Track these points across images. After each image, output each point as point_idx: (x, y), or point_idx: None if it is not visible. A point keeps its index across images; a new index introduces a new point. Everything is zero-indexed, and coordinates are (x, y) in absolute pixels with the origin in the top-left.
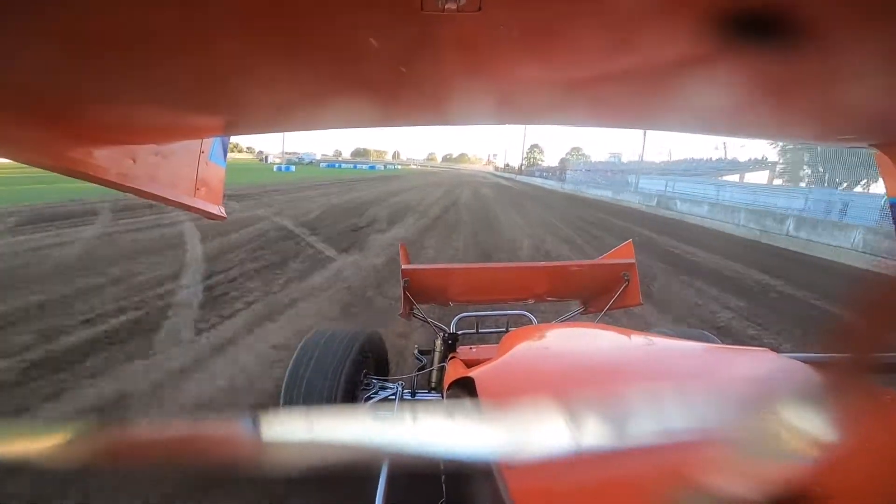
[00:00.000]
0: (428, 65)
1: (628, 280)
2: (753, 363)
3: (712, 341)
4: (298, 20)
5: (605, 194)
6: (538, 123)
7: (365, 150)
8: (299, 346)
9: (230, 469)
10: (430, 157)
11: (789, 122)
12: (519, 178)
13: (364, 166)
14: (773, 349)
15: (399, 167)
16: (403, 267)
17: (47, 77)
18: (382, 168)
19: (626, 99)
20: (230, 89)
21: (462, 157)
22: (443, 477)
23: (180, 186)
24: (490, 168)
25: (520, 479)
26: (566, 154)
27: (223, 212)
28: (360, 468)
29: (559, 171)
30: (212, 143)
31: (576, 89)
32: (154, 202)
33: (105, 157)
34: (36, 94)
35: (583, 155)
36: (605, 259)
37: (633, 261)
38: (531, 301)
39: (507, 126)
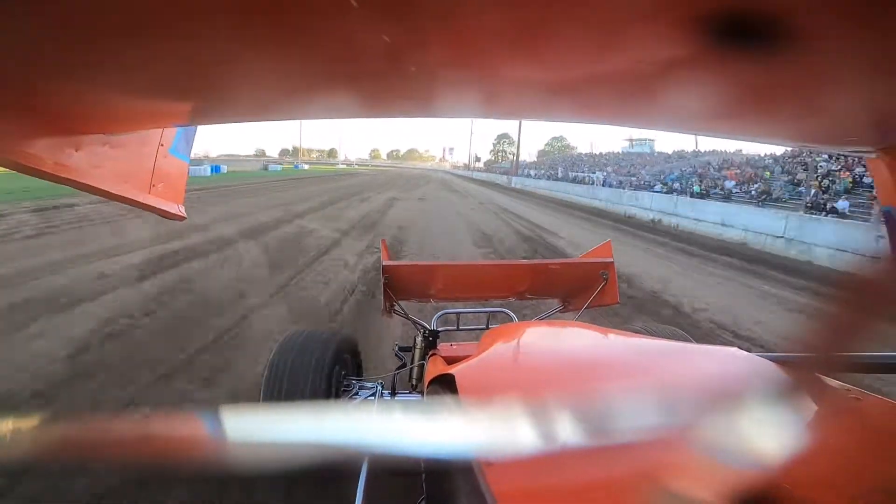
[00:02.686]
0: (415, 56)
1: (606, 279)
2: (722, 362)
3: (684, 339)
4: (279, 3)
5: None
6: (524, 119)
7: (296, 148)
8: (275, 350)
9: (193, 469)
10: (374, 154)
11: (779, 125)
12: (475, 175)
13: (278, 167)
14: (741, 348)
15: (306, 167)
16: (384, 263)
17: None
18: (279, 168)
19: (613, 98)
20: (200, 73)
21: (411, 154)
22: (423, 474)
23: (132, 181)
24: (446, 165)
25: (500, 475)
26: (546, 146)
27: (182, 211)
28: (338, 467)
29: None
30: (174, 135)
31: (563, 86)
32: (99, 197)
33: (40, 145)
34: None
35: (567, 146)
36: (585, 258)
37: (611, 260)
38: (512, 299)
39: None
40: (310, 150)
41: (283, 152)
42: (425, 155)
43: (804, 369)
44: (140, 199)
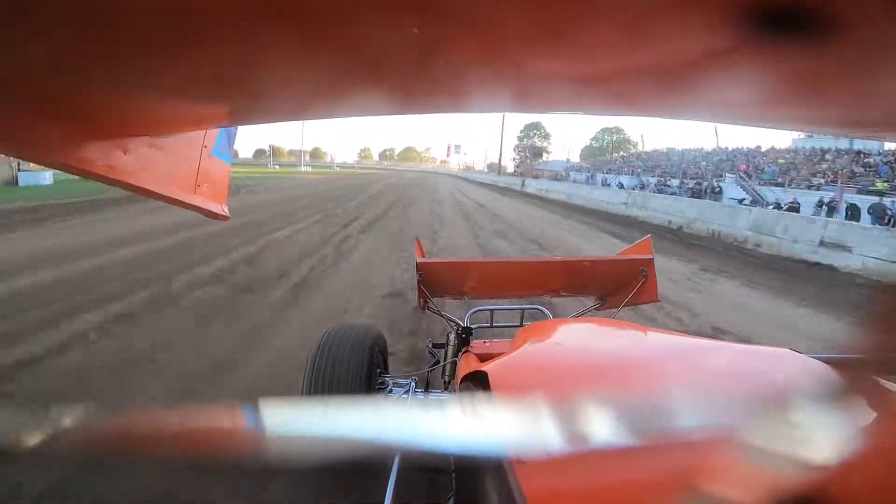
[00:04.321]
0: (444, 49)
1: (646, 276)
2: (772, 363)
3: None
4: (311, 3)
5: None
6: (555, 112)
7: (276, 148)
8: (315, 349)
9: (232, 462)
10: (364, 155)
11: (825, 113)
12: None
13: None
14: (793, 349)
15: (277, 167)
16: (419, 261)
17: (26, 60)
18: None
19: (648, 89)
20: (237, 75)
21: (408, 154)
22: (453, 472)
23: (178, 182)
24: (451, 167)
25: (531, 474)
26: (592, 140)
27: (226, 211)
28: (370, 463)
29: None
30: (216, 136)
31: (596, 78)
32: (147, 198)
33: (91, 148)
34: (12, 78)
35: (624, 141)
36: (623, 254)
37: (651, 256)
38: (546, 296)
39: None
40: (300, 151)
41: (259, 153)
42: (425, 155)
43: (858, 371)
44: (186, 200)
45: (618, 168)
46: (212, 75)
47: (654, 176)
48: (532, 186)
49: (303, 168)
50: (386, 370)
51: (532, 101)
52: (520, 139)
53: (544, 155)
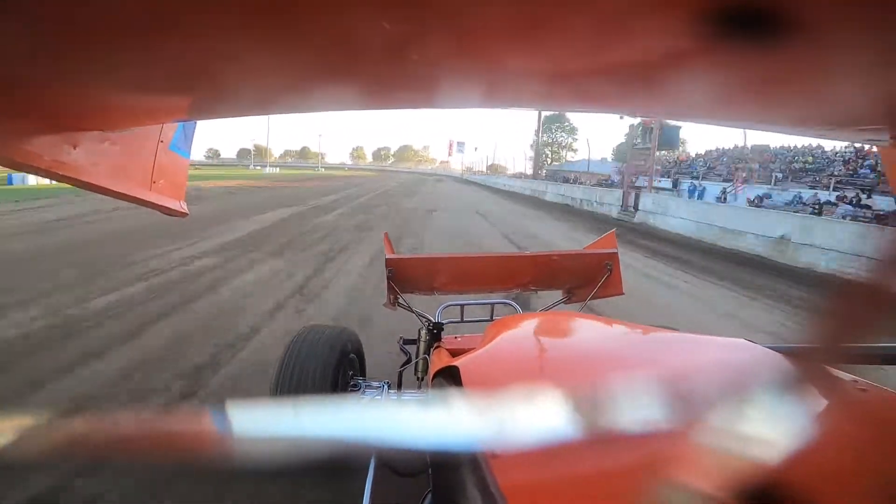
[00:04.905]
0: (416, 44)
1: (611, 270)
2: (728, 352)
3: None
4: None
5: None
6: (524, 108)
7: (259, 147)
8: (285, 350)
9: (202, 464)
10: (357, 154)
11: (787, 113)
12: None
13: None
14: (748, 339)
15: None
16: (388, 256)
17: None
18: None
19: (615, 87)
20: (197, 67)
21: (405, 153)
22: (429, 468)
23: (133, 178)
24: (454, 169)
25: (505, 467)
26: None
27: (185, 207)
28: (346, 463)
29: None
30: (174, 131)
31: (565, 75)
32: (98, 194)
33: (37, 142)
34: None
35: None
36: (589, 249)
37: (615, 251)
38: (516, 290)
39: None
40: (291, 152)
41: (243, 153)
42: (424, 154)
43: (811, 360)
44: (141, 196)
45: (703, 172)
46: (170, 67)
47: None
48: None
49: (267, 170)
50: (362, 373)
51: (502, 97)
52: (541, 133)
53: (569, 153)
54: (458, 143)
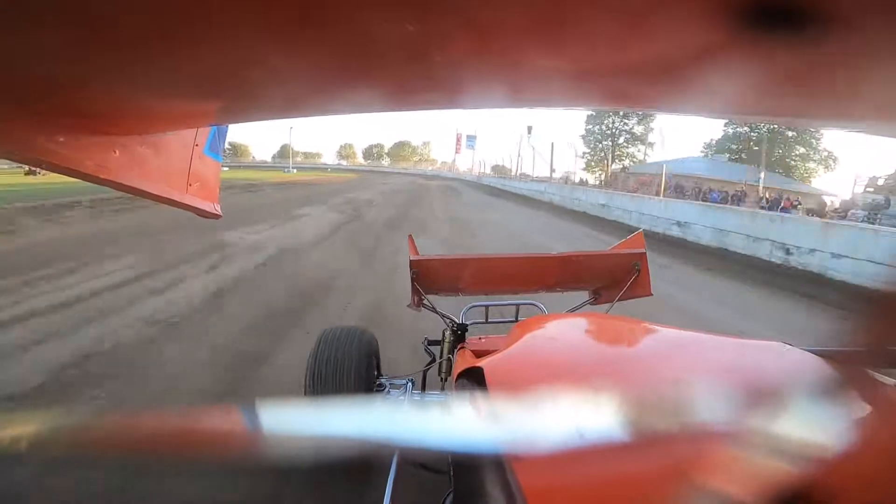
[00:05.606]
0: (439, 45)
1: (639, 270)
2: (767, 356)
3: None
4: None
5: None
6: (549, 107)
7: (233, 146)
8: (313, 351)
9: (231, 461)
10: (346, 153)
11: (821, 108)
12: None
13: None
14: (786, 342)
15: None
16: (412, 258)
17: (11, 57)
18: None
19: (641, 84)
20: (228, 72)
21: (401, 151)
22: (451, 468)
23: (170, 181)
24: (466, 171)
25: (529, 470)
26: (731, 128)
27: (218, 209)
28: (369, 461)
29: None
30: (208, 135)
31: (591, 73)
32: (139, 198)
33: (81, 147)
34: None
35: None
36: (616, 249)
37: (643, 251)
38: (541, 291)
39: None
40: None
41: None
42: (423, 152)
43: (853, 364)
44: (178, 199)
45: None
46: (204, 73)
47: None
48: None
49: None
50: (379, 372)
51: (527, 97)
52: (590, 128)
53: (642, 152)
54: (467, 136)
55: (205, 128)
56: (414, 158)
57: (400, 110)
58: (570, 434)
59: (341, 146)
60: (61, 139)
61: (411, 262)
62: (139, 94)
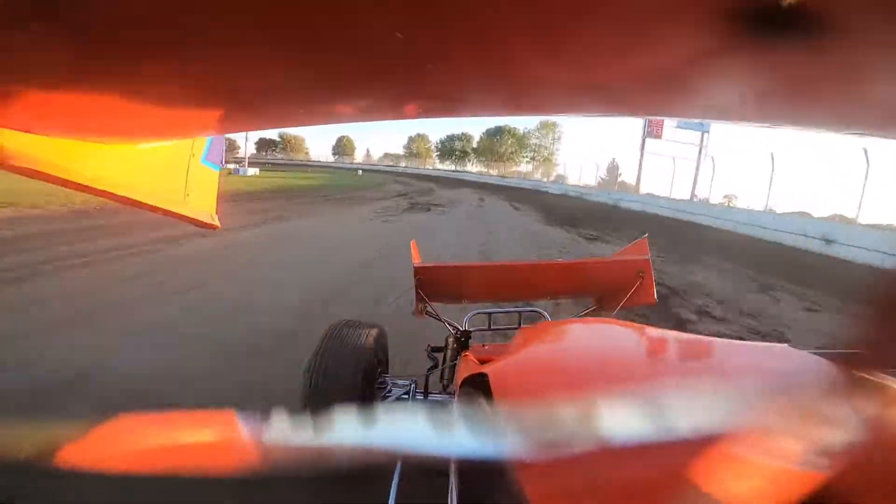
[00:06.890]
0: (434, 54)
1: (643, 277)
2: (772, 358)
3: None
4: (306, 8)
5: None
6: (548, 115)
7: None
8: (321, 341)
9: (230, 471)
10: (418, 148)
11: (823, 113)
12: None
13: None
14: (792, 344)
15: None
16: (415, 265)
17: (6, 64)
18: None
19: (641, 91)
20: (227, 83)
21: (418, 146)
22: (455, 474)
23: (166, 192)
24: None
25: (534, 476)
26: None
27: (216, 220)
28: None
29: None
30: (205, 144)
31: (589, 81)
32: (134, 208)
33: (75, 157)
34: None
35: None
36: (620, 256)
37: (647, 257)
38: (545, 299)
39: None
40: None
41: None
42: (544, 148)
43: (858, 366)
44: (174, 210)
45: None
46: (201, 82)
47: None
48: None
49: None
50: (386, 369)
51: (526, 105)
52: None
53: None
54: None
55: (201, 137)
56: (523, 157)
57: (398, 119)
58: (576, 440)
59: (410, 138)
60: (51, 148)
61: (415, 268)
62: (135, 103)
